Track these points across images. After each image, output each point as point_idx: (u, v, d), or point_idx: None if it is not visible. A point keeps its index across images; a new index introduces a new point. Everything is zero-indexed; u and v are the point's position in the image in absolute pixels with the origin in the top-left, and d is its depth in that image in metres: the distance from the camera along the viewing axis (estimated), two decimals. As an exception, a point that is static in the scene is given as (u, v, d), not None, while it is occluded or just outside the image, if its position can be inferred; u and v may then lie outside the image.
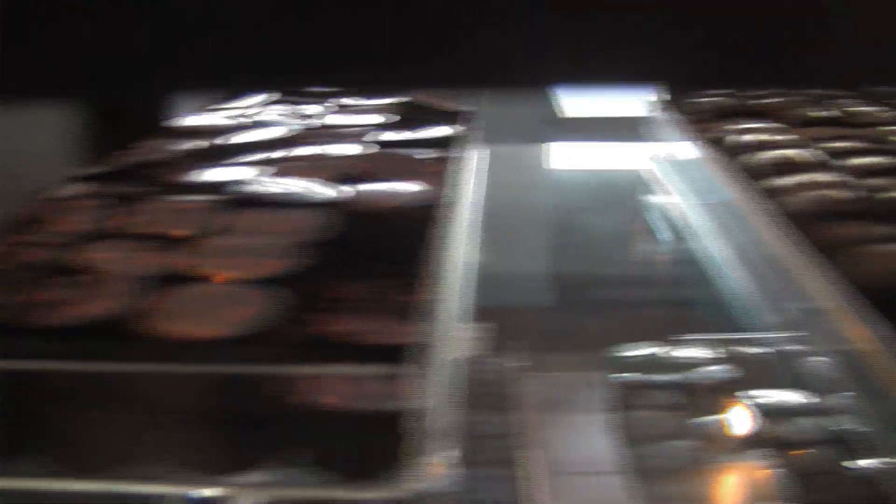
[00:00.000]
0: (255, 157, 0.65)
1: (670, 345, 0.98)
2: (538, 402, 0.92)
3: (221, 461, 0.43)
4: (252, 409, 0.42)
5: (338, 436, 0.42)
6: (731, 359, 0.94)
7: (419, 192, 0.55)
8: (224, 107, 0.84)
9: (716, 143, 0.84)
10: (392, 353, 0.44)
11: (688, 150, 0.91)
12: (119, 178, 0.61)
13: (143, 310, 0.43)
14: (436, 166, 0.60)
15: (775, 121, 0.88)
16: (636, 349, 0.98)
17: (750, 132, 0.82)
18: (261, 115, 0.78)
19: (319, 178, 0.59)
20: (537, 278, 0.88)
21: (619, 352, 0.96)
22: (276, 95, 0.87)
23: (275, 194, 0.55)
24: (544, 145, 1.08)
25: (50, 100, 0.90)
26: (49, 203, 0.57)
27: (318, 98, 0.85)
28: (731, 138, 0.82)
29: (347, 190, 0.55)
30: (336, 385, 0.42)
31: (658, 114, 1.00)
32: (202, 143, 0.69)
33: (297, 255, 0.47)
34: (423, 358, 0.44)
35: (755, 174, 0.76)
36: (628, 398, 0.95)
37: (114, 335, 0.42)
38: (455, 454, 0.44)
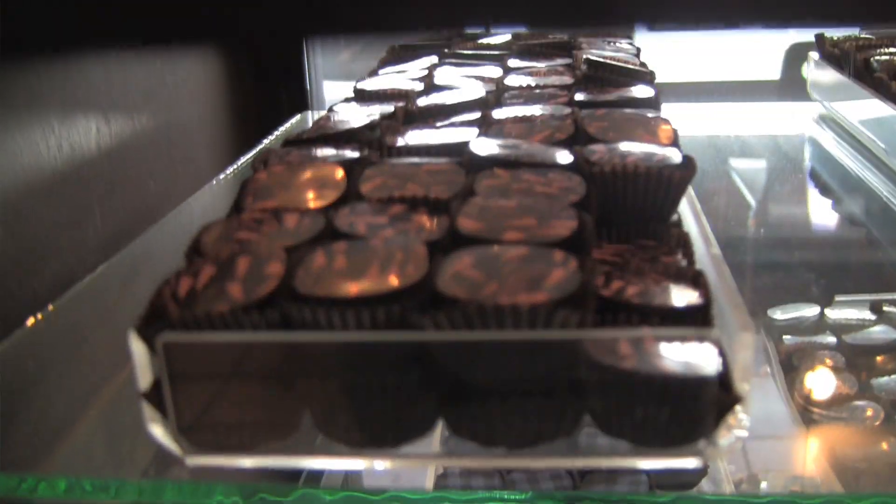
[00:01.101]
0: (462, 118, 0.64)
1: (830, 306, 0.96)
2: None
3: (528, 430, 0.42)
4: (558, 375, 0.41)
5: (643, 401, 0.41)
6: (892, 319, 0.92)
7: (663, 152, 0.53)
8: (397, 70, 0.83)
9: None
10: (691, 317, 0.42)
11: (851, 106, 0.89)
12: (334, 142, 0.60)
13: (440, 275, 0.41)
14: (664, 125, 0.58)
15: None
16: (794, 311, 0.96)
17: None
18: (441, 77, 0.76)
19: (548, 138, 0.57)
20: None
21: (777, 314, 0.95)
22: (445, 59, 0.86)
23: (515, 155, 0.53)
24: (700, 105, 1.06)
25: (190, 45, 0.89)
26: (276, 168, 0.55)
27: (489, 60, 0.83)
28: None
29: (593, 150, 0.54)
30: (640, 349, 0.41)
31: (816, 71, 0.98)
32: (399, 105, 0.67)
33: (576, 217, 0.46)
34: (718, 321, 0.43)
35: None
36: (791, 360, 0.93)
37: (419, 303, 0.40)
38: (747, 419, 0.42)
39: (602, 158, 0.52)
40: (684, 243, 0.50)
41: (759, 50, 1.37)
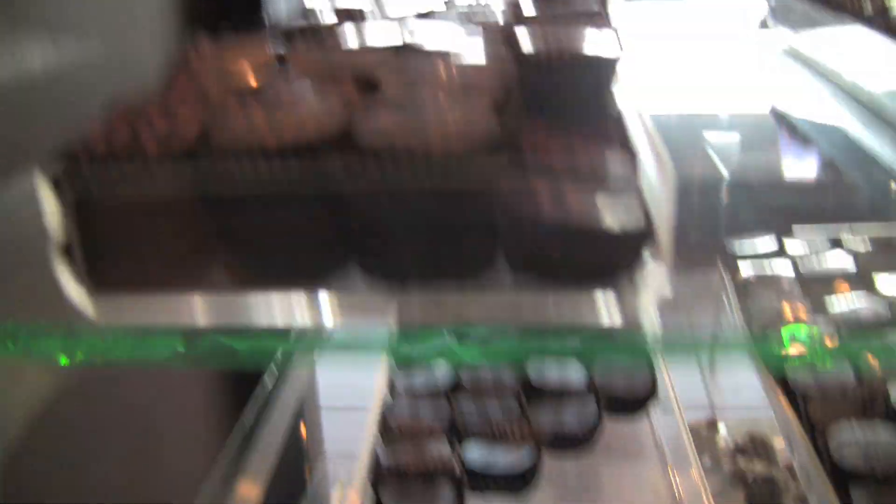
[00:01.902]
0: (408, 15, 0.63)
1: (787, 235, 0.95)
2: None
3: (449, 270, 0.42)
4: (474, 219, 0.41)
5: (560, 240, 0.41)
6: (851, 248, 0.91)
7: (597, 41, 0.53)
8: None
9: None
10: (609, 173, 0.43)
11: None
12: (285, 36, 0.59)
13: (359, 127, 0.41)
14: (600, 17, 0.58)
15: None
16: (752, 240, 0.95)
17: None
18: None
19: (486, 30, 0.57)
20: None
21: (734, 244, 0.94)
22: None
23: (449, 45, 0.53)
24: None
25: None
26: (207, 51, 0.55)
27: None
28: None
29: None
30: (556, 187, 0.41)
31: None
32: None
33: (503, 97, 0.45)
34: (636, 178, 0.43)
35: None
36: (749, 289, 0.92)
37: (333, 153, 0.40)
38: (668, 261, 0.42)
39: (532, 47, 0.51)
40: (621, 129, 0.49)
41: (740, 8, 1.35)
